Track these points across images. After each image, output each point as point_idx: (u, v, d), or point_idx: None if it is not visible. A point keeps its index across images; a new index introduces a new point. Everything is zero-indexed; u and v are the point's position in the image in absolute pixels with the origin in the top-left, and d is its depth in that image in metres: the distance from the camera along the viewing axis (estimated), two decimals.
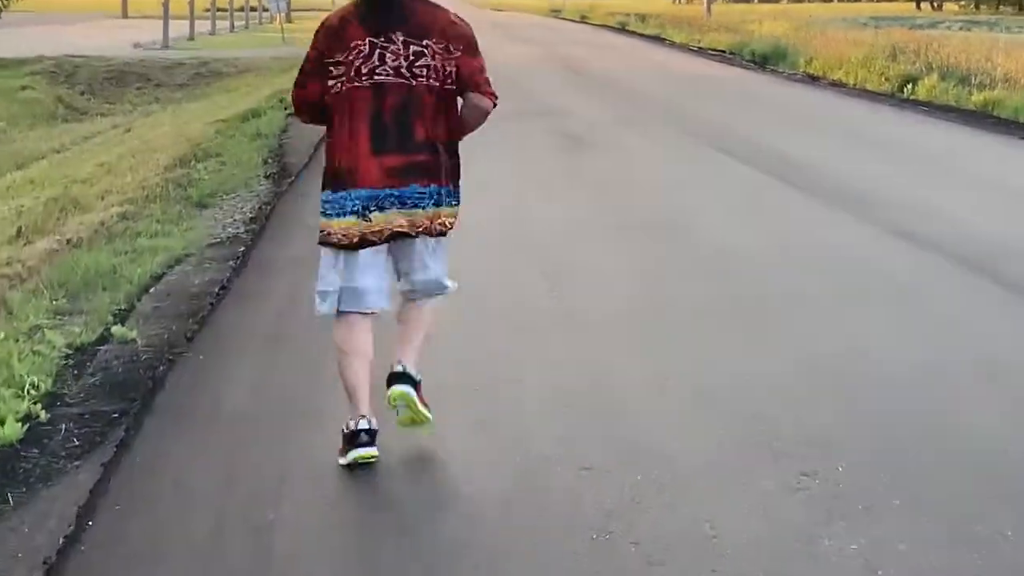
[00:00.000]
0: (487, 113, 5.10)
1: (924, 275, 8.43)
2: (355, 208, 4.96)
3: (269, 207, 11.05)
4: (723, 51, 33.07)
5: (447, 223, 5.11)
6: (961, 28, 47.83)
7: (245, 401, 5.90)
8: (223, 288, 8.07)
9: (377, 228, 4.98)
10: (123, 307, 7.61)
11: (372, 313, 5.18)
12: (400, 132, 4.97)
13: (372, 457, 4.97)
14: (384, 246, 5.06)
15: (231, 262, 8.87)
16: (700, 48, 35.31)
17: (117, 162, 15.26)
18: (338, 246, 5.04)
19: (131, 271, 8.47)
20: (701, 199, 11.30)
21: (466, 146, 5.23)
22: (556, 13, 72.19)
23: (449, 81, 5.02)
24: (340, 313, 5.13)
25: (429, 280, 5.21)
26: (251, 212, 10.93)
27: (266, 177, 12.84)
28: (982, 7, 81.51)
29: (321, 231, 5.10)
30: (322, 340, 6.50)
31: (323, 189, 5.12)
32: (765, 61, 29.13)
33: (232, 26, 52.45)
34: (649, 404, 5.76)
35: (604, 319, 7.18)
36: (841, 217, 10.35)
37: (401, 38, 4.96)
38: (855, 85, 22.97)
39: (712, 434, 5.33)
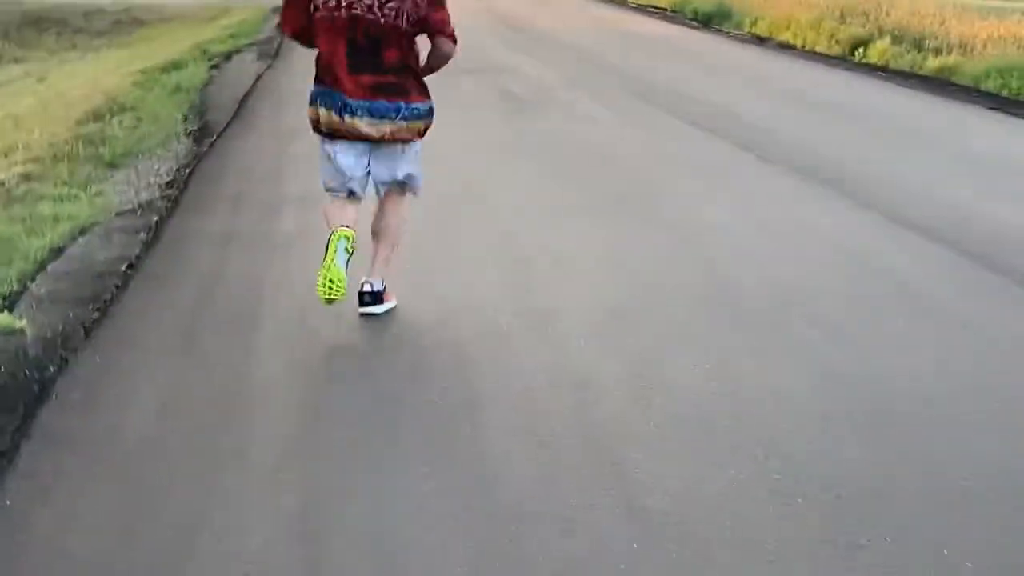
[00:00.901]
0: (450, 55, 6.08)
1: (925, 269, 7.57)
2: (334, 105, 5.93)
3: (188, 170, 10.04)
4: (664, 8, 32.18)
5: (406, 135, 6.04)
6: None
7: (148, 425, 4.83)
8: (131, 267, 7.09)
9: (348, 128, 5.94)
10: (14, 288, 6.62)
11: (355, 197, 6.18)
12: (372, 56, 5.88)
13: (349, 238, 5.91)
14: (363, 145, 6.04)
15: (142, 234, 7.90)
16: (641, 5, 34.39)
17: (26, 115, 14.14)
18: (322, 133, 6.08)
19: (27, 244, 7.50)
20: (665, 170, 10.36)
21: None
22: None
23: (415, 24, 5.87)
24: (330, 193, 6.22)
25: (390, 178, 6.19)
26: (168, 175, 9.93)
27: (186, 135, 11.82)
28: None
29: (311, 117, 6.12)
30: (244, 342, 5.62)
31: (314, 83, 6.08)
32: (709, 20, 28.27)
33: None
34: (636, 426, 4.82)
35: (581, 322, 6.19)
36: (816, 191, 9.51)
37: None
38: (804, 47, 22.18)
39: (715, 471, 4.42)
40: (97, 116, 12.90)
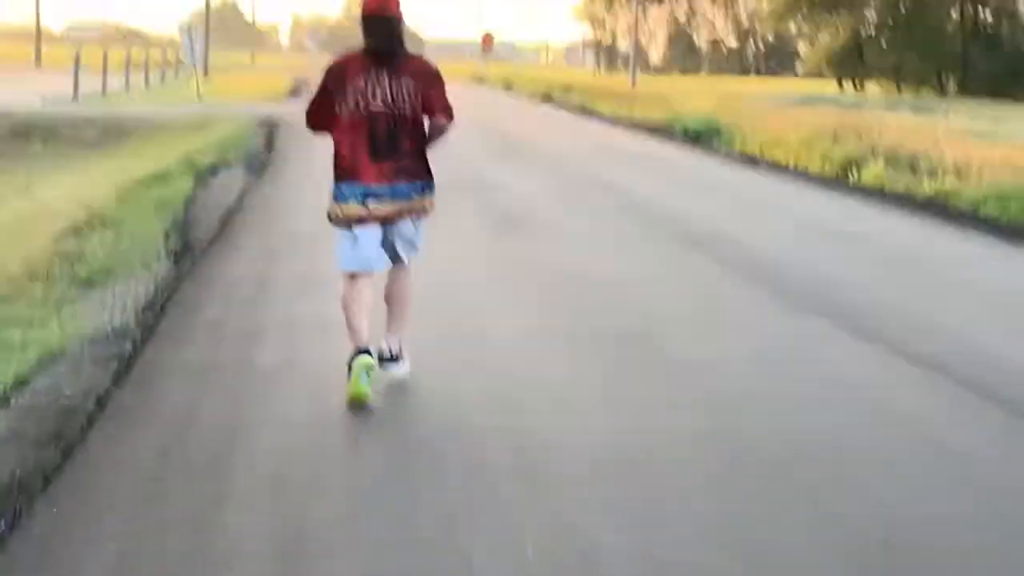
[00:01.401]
0: (446, 129, 7.01)
1: (948, 411, 7.17)
2: (356, 197, 6.82)
3: (166, 292, 9.63)
4: (653, 126, 32.17)
5: (422, 208, 7.06)
6: (886, 109, 47.47)
7: None
8: (98, 402, 6.65)
9: (373, 213, 6.85)
10: None
11: (371, 274, 7.01)
12: (389, 145, 6.83)
13: (369, 365, 6.60)
14: (378, 226, 6.90)
15: (114, 364, 7.46)
16: (631, 122, 34.42)
17: (3, 229, 13.76)
18: (346, 224, 6.88)
19: None
20: (662, 299, 9.96)
21: None
22: (480, 81, 71.62)
23: (420, 106, 6.88)
24: (347, 274, 6.98)
25: (406, 244, 7.11)
26: (146, 297, 9.51)
27: (167, 254, 11.41)
28: (904, 89, 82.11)
29: (334, 214, 6.93)
30: (214, 493, 5.18)
31: (335, 182, 6.92)
32: (698, 138, 28.20)
33: (147, 80, 50.84)
34: None
35: (580, 474, 5.74)
36: (820, 327, 9.11)
37: (387, 77, 6.83)
38: (796, 167, 21.98)
39: None
40: (77, 231, 12.53)
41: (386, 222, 6.95)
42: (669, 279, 10.85)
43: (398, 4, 6.94)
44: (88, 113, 30.98)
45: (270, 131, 25.87)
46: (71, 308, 9.07)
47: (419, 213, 7.09)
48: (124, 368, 7.40)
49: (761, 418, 6.68)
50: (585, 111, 40.58)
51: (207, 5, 65.46)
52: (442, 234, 11.99)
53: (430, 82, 6.94)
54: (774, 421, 6.64)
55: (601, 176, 19.38)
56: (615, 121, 35.13)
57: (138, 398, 6.80)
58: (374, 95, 6.82)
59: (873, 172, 19.74)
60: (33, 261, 10.80)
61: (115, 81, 44.91)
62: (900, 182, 18.86)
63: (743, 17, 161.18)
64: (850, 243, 13.47)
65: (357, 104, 6.82)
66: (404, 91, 6.83)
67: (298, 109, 30.02)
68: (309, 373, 7.31)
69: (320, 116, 7.06)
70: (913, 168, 19.90)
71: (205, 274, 10.44)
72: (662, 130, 30.85)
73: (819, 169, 21.14)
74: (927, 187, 18.09)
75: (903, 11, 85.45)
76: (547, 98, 50.72)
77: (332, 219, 6.98)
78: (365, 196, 6.82)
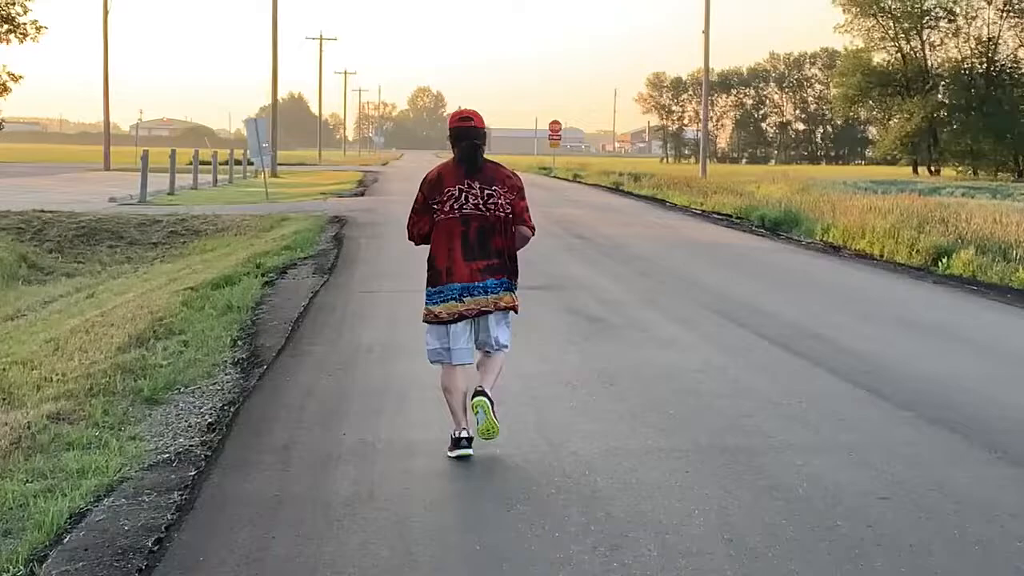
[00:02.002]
0: (529, 238, 7.88)
1: None
2: (454, 295, 7.58)
3: (233, 408, 9.01)
4: (729, 215, 31.56)
5: (508, 303, 7.74)
6: (964, 194, 46.64)
7: None
8: (158, 542, 6.00)
9: (468, 308, 7.61)
10: (20, 572, 5.57)
11: (464, 364, 7.73)
12: (481, 246, 7.60)
13: (470, 454, 7.53)
14: (468, 321, 7.66)
15: (176, 495, 6.84)
16: (704, 211, 33.80)
17: (67, 338, 13.27)
18: (443, 323, 7.64)
19: (45, 508, 6.50)
20: (763, 411, 9.08)
21: None
22: (546, 171, 71.46)
23: (508, 213, 7.66)
24: (443, 365, 7.75)
25: (496, 339, 7.80)
26: (211, 414, 8.92)
27: (233, 364, 10.84)
28: (980, 173, 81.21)
29: (428, 314, 7.69)
30: None
31: (429, 285, 7.69)
32: (777, 227, 27.52)
33: (215, 180, 50.96)
34: None
35: None
36: (942, 436, 8.31)
37: (478, 185, 7.61)
38: (882, 257, 21.22)
39: None
40: (141, 340, 12.05)
41: (476, 316, 7.68)
42: (759, 381, 10.09)
43: (481, 117, 7.91)
44: (155, 213, 30.78)
45: (338, 230, 25.41)
46: (132, 428, 8.53)
47: (505, 309, 7.78)
48: (186, 500, 6.76)
49: (887, 549, 5.90)
50: (657, 201, 39.98)
51: (274, 101, 65.78)
52: (527, 340, 11.38)
53: (517, 194, 7.77)
54: (899, 552, 5.86)
55: (683, 271, 18.67)
56: (689, 211, 34.51)
57: (200, 537, 6.13)
58: (467, 200, 7.62)
59: (963, 260, 18.98)
60: (95, 375, 10.30)
61: (183, 179, 44.94)
62: (994, 270, 18.08)
63: (811, 102, 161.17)
64: (954, 339, 12.65)
65: (451, 209, 7.63)
66: (494, 198, 7.65)
67: (365, 206, 29.70)
68: (389, 510, 6.61)
69: (420, 228, 7.80)
70: (1006, 255, 19.13)
71: (273, 387, 9.79)
72: (738, 219, 30.19)
73: (906, 258, 20.37)
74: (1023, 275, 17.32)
75: (976, 93, 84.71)
76: (617, 188, 50.17)
77: (427, 320, 7.76)
78: (462, 293, 7.61)
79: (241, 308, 13.93)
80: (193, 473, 7.31)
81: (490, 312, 7.70)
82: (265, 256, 19.71)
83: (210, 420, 8.74)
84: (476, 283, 7.60)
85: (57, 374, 10.68)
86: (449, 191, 7.62)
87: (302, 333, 12.38)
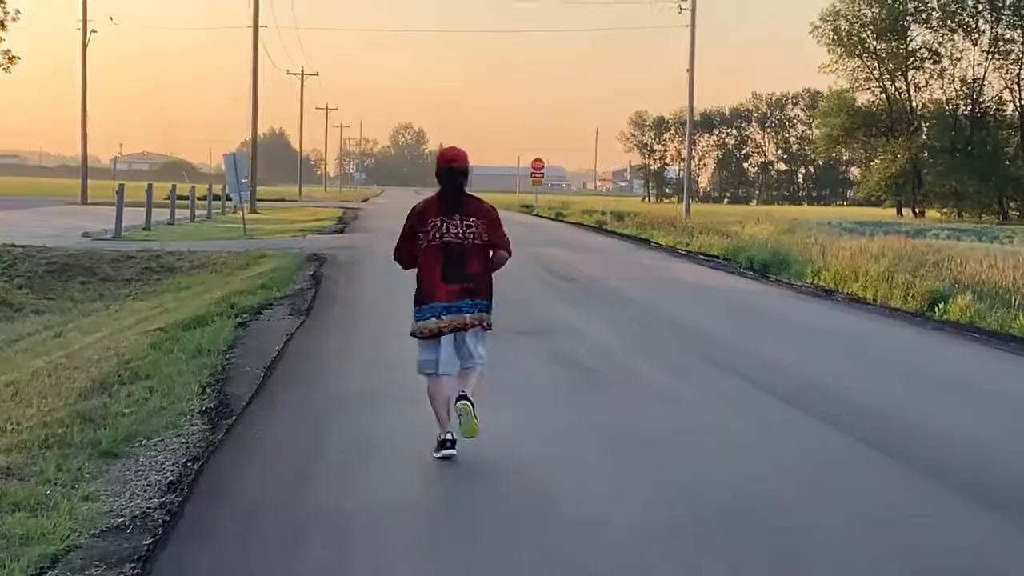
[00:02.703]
0: (507, 259, 8.88)
1: None
2: (435, 313, 8.59)
3: (196, 466, 8.31)
4: (716, 256, 31.00)
5: (483, 321, 8.71)
6: (950, 237, 46.26)
7: None
8: None
9: (446, 325, 8.58)
10: None
11: (447, 375, 8.64)
12: (458, 270, 8.60)
13: (453, 454, 8.46)
14: (451, 336, 8.62)
15: (128, 568, 6.15)
16: (690, 252, 33.23)
17: (29, 381, 12.58)
18: (427, 338, 8.62)
19: None
20: (774, 476, 8.39)
21: None
22: (528, 209, 70.89)
23: (486, 240, 8.70)
24: (430, 376, 8.69)
25: (473, 354, 8.72)
26: (173, 471, 8.23)
27: (200, 414, 10.13)
28: (965, 215, 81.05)
29: (417, 331, 8.68)
30: None
31: (416, 304, 8.72)
32: (766, 269, 26.94)
33: (193, 215, 50.21)
34: None
35: None
36: (956, 501, 7.66)
37: (458, 217, 8.65)
38: (876, 301, 20.62)
39: None
40: (105, 386, 11.40)
41: (455, 331, 8.62)
42: (765, 441, 9.43)
43: (466, 157, 8.93)
44: (129, 249, 30.05)
45: (317, 269, 24.70)
46: (86, 487, 7.83)
47: (480, 326, 8.73)
48: (139, 574, 6.07)
49: None
50: (642, 241, 39.40)
51: (253, 136, 65.07)
52: (510, 392, 10.70)
53: (493, 224, 8.83)
54: None
55: (672, 315, 18.04)
56: (675, 252, 33.95)
57: None
58: (448, 230, 8.64)
59: (960, 305, 18.39)
60: (52, 424, 9.62)
61: (161, 214, 44.23)
62: (993, 316, 17.48)
63: (793, 142, 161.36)
64: (965, 393, 12.04)
65: (434, 238, 8.65)
66: (472, 228, 8.68)
67: (345, 243, 29.09)
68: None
69: (406, 254, 8.89)
70: (1005, 302, 18.55)
71: (240, 441, 9.10)
72: (725, 260, 29.63)
73: (901, 303, 19.78)
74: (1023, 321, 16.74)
75: (961, 135, 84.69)
76: (600, 227, 49.60)
77: (415, 335, 8.74)
78: (442, 311, 8.59)
79: (212, 352, 13.22)
80: (149, 542, 6.62)
81: (466, 330, 8.63)
82: (240, 295, 18.98)
83: (171, 479, 8.06)
84: (453, 303, 8.58)
85: (12, 422, 10.01)
86: (432, 222, 8.68)
87: (275, 380, 11.68)
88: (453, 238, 8.60)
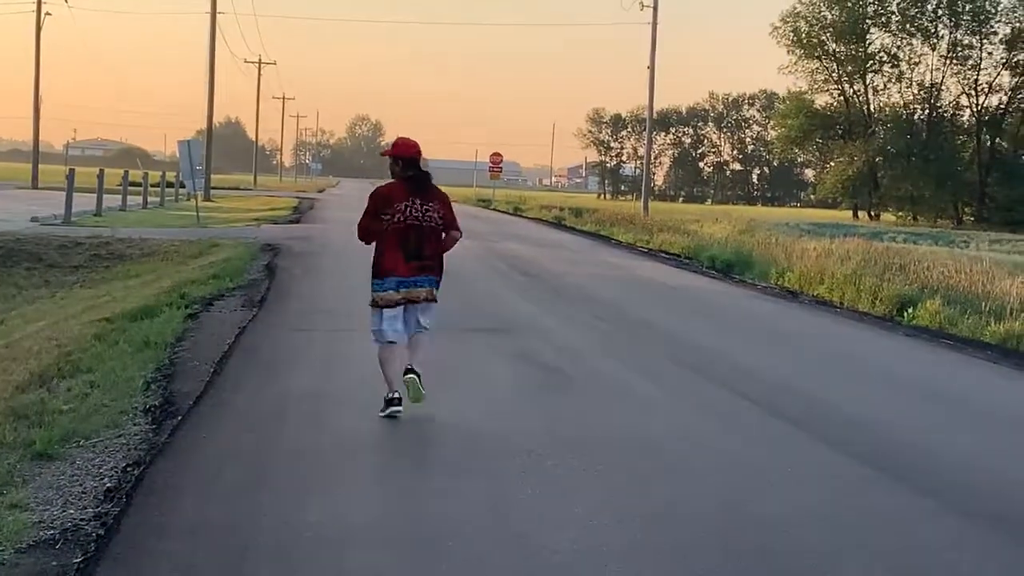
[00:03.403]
0: (457, 239, 10.03)
1: None
2: (392, 286, 9.59)
3: (137, 471, 7.69)
4: (678, 255, 30.60)
5: (432, 295, 9.79)
6: (907, 240, 46.09)
7: None
8: None
9: (403, 297, 9.62)
10: None
11: (400, 343, 9.68)
12: (418, 249, 9.62)
13: (399, 412, 9.40)
14: (402, 307, 9.66)
15: None
16: (651, 250, 32.82)
17: None
18: (384, 307, 9.61)
19: None
20: (756, 484, 7.94)
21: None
22: (485, 203, 70.38)
23: (441, 223, 9.77)
24: (382, 343, 9.68)
25: (421, 322, 9.80)
26: (111, 477, 7.60)
27: (144, 412, 9.49)
28: (920, 219, 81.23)
29: (376, 300, 9.64)
30: None
31: (374, 278, 9.68)
32: (729, 269, 26.51)
33: (145, 202, 49.32)
34: None
35: None
36: (946, 520, 7.18)
37: (419, 201, 9.65)
38: (843, 304, 20.20)
39: None
40: (44, 379, 10.78)
41: (409, 304, 9.64)
42: (740, 449, 8.91)
43: (420, 149, 9.90)
44: (79, 235, 29.27)
45: (271, 259, 24.01)
46: (16, 493, 7.21)
47: (430, 300, 9.76)
48: None
49: None
50: (602, 238, 38.94)
51: (209, 123, 64.20)
52: (473, 396, 10.18)
53: (448, 207, 9.87)
54: None
55: (639, 316, 17.51)
56: (636, 249, 33.50)
57: None
58: (411, 213, 9.57)
59: (930, 310, 17.99)
60: None
61: (113, 201, 43.37)
62: (965, 323, 17.06)
63: (749, 143, 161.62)
64: (939, 400, 11.59)
65: (399, 220, 9.53)
66: (430, 212, 9.66)
67: (301, 234, 28.41)
68: None
69: (369, 232, 9.73)
70: (975, 307, 18.13)
71: (185, 445, 8.47)
72: (687, 259, 29.19)
73: (868, 307, 19.37)
74: (995, 328, 16.33)
75: (917, 139, 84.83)
76: (559, 223, 49.10)
77: (374, 304, 9.63)
78: (399, 285, 9.56)
79: (159, 344, 12.55)
80: (79, 560, 6.01)
81: (418, 302, 9.66)
82: (191, 285, 18.30)
83: (109, 485, 7.42)
84: (409, 278, 9.57)
85: None
86: (397, 205, 9.56)
87: (225, 377, 11.04)
88: (415, 220, 9.55)
